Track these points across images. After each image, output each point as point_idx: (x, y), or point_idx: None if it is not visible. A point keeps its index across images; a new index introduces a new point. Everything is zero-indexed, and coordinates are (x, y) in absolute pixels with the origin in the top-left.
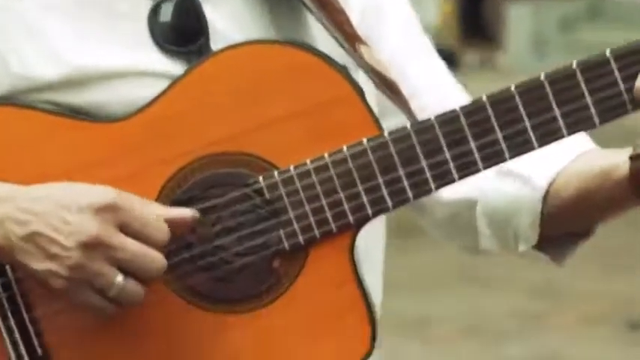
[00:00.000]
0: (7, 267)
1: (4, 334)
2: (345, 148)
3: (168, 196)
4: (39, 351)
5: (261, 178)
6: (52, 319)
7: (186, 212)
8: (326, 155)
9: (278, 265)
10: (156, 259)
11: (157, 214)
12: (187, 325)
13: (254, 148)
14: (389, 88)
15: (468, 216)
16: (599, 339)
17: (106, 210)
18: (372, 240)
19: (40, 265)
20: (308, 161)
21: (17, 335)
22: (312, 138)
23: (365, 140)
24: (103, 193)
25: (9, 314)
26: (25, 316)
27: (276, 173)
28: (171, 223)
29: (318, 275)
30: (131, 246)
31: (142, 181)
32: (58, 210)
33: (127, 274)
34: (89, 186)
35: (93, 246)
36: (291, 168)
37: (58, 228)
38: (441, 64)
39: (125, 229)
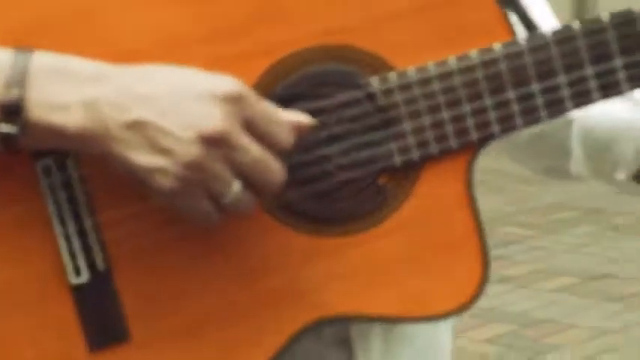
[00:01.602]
0: (69, 162)
1: (61, 242)
2: (474, 53)
3: (266, 89)
4: (101, 264)
5: (376, 81)
6: (117, 228)
7: (303, 118)
8: (453, 60)
9: (385, 183)
10: (278, 169)
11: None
12: (275, 246)
13: (369, 44)
14: None
15: (561, 135)
16: None
17: (231, 101)
18: None
19: (146, 159)
20: (431, 65)
21: (77, 245)
22: (435, 37)
23: (497, 46)
24: (227, 81)
25: (68, 219)
26: (88, 221)
27: (394, 76)
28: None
29: (431, 198)
30: (255, 150)
31: (238, 68)
32: (170, 96)
33: (244, 182)
34: (206, 72)
35: (215, 142)
36: (412, 72)
37: (171, 117)
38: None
39: (250, 127)
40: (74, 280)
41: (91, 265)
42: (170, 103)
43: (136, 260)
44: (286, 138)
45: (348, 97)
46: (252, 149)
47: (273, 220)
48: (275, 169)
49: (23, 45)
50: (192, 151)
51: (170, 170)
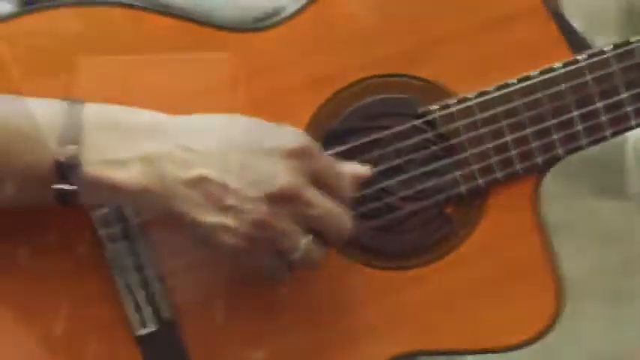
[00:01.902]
0: (127, 210)
1: (123, 294)
2: (535, 73)
3: (321, 124)
4: (166, 312)
5: (435, 108)
6: (180, 275)
7: (361, 169)
8: (514, 81)
9: (452, 212)
10: (346, 218)
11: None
12: (344, 284)
13: (427, 71)
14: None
15: (615, 153)
16: None
17: (297, 155)
18: None
19: (209, 217)
20: (492, 89)
21: (141, 295)
22: (494, 60)
23: (558, 65)
24: (292, 135)
25: (129, 269)
26: (151, 271)
27: (454, 102)
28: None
29: (499, 225)
30: (324, 202)
31: (290, 105)
32: (232, 151)
33: (313, 235)
34: (270, 124)
35: (282, 199)
36: (473, 96)
37: (235, 173)
38: None
39: (317, 180)
40: (140, 332)
41: (156, 315)
42: (233, 158)
43: (202, 308)
44: (350, 188)
45: (408, 126)
46: (321, 202)
47: (340, 257)
48: (344, 219)
49: (73, 96)
50: (259, 210)
51: (236, 229)
